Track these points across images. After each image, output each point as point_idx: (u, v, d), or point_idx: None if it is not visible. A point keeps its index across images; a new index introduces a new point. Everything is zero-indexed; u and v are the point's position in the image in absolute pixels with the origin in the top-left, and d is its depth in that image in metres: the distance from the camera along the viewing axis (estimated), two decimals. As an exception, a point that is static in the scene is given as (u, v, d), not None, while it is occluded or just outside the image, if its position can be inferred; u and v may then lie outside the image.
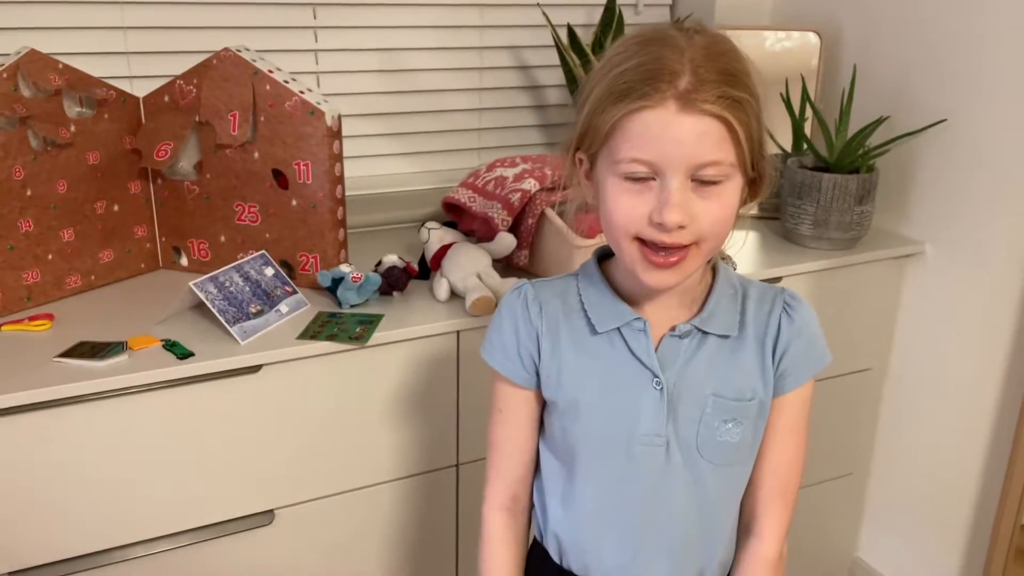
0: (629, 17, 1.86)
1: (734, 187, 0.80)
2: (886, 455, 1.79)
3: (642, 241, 0.80)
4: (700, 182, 0.78)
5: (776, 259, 1.54)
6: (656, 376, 0.86)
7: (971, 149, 1.53)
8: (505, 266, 1.42)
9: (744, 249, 1.59)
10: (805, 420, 0.93)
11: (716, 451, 0.88)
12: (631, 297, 0.89)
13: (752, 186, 0.85)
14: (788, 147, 1.69)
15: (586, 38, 1.76)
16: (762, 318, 0.89)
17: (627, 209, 0.79)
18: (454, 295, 1.33)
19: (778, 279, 1.51)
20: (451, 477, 1.38)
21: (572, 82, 1.71)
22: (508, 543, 0.98)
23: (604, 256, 0.93)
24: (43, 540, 1.13)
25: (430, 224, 1.45)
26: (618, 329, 0.88)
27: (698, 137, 0.76)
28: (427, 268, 1.41)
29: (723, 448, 0.88)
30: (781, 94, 1.64)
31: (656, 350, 0.87)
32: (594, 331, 0.88)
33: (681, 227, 0.77)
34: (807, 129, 1.67)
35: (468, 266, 1.33)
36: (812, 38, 1.73)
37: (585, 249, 1.27)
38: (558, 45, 1.69)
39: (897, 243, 1.64)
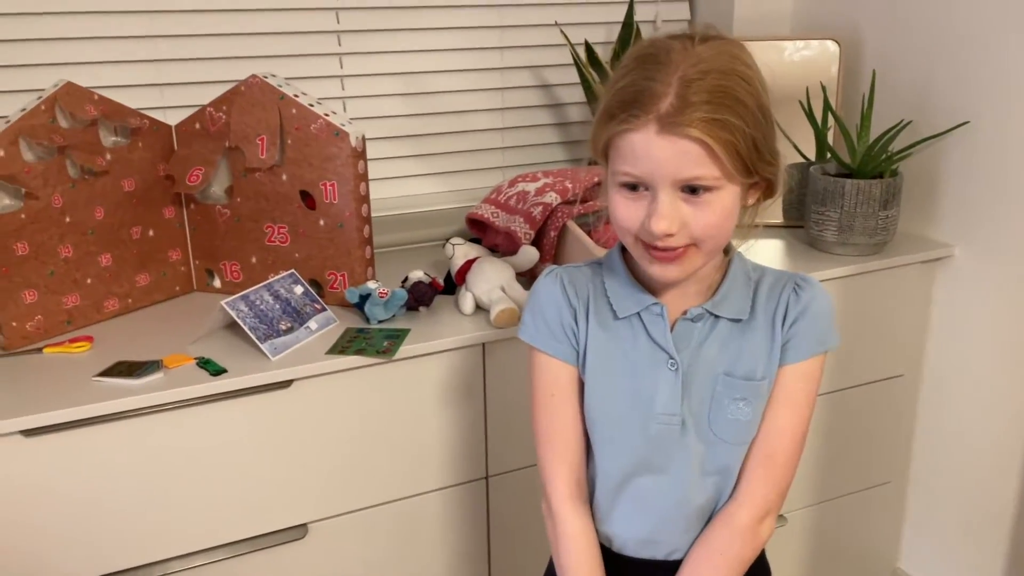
0: (648, 33, 1.88)
1: (726, 195, 0.83)
2: (925, 462, 1.76)
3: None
4: (690, 191, 0.82)
5: (802, 266, 1.54)
6: (672, 358, 0.90)
7: (996, 150, 1.52)
8: (529, 279, 1.43)
9: (769, 257, 1.59)
10: (806, 397, 0.93)
11: (727, 428, 0.91)
12: (650, 285, 0.93)
13: (766, 187, 0.88)
14: (811, 155, 1.69)
15: (605, 55, 1.79)
16: (773, 299, 0.93)
17: (624, 214, 0.85)
18: (479, 308, 1.35)
19: (804, 286, 1.50)
20: (481, 489, 1.39)
21: (592, 99, 1.74)
22: (589, 536, 0.96)
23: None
24: (82, 556, 1.16)
25: (455, 240, 1.47)
26: (638, 314, 0.92)
27: (678, 156, 0.80)
28: (452, 283, 1.43)
29: (734, 426, 0.91)
30: (801, 103, 1.65)
31: (671, 333, 0.91)
32: (616, 316, 0.93)
33: (669, 235, 0.82)
34: (829, 137, 1.67)
35: (493, 279, 1.35)
36: (831, 46, 1.73)
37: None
38: (577, 63, 1.71)
39: (925, 247, 1.63)
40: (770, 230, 1.74)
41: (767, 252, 1.62)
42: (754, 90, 0.82)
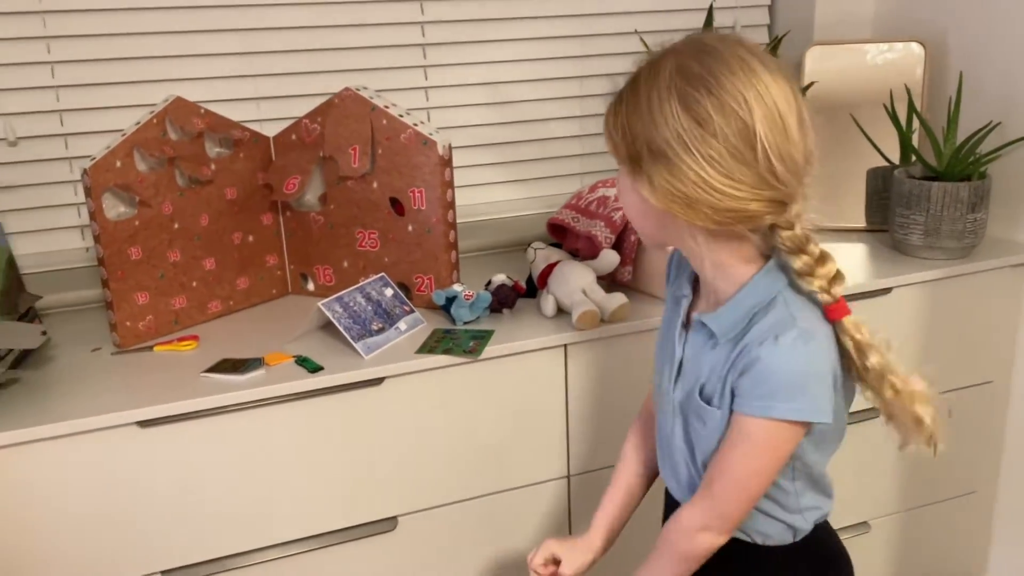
0: (727, 39, 1.89)
1: (622, 174, 0.93)
2: (1014, 472, 1.72)
3: None
4: None
5: (886, 270, 1.53)
6: (675, 345, 0.99)
7: (1091, 151, 1.48)
8: (609, 282, 1.46)
9: (853, 261, 1.58)
10: (744, 457, 0.89)
11: (701, 414, 0.95)
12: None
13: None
14: (895, 159, 1.67)
15: (684, 61, 1.80)
16: (748, 343, 0.88)
17: None
18: (560, 311, 1.39)
19: (888, 290, 1.49)
20: (563, 488, 1.42)
21: (671, 105, 1.75)
22: (628, 458, 1.12)
23: None
24: (187, 539, 1.24)
25: (536, 244, 1.51)
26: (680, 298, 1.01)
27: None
28: (534, 286, 1.47)
29: (707, 413, 0.94)
30: (884, 105, 1.63)
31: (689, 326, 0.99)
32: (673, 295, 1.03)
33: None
34: (914, 140, 1.65)
35: (574, 283, 1.38)
36: (916, 48, 1.71)
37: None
38: (657, 69, 1.73)
39: (1016, 250, 1.60)
40: (853, 234, 1.73)
41: (850, 257, 1.61)
42: (659, 94, 0.86)
